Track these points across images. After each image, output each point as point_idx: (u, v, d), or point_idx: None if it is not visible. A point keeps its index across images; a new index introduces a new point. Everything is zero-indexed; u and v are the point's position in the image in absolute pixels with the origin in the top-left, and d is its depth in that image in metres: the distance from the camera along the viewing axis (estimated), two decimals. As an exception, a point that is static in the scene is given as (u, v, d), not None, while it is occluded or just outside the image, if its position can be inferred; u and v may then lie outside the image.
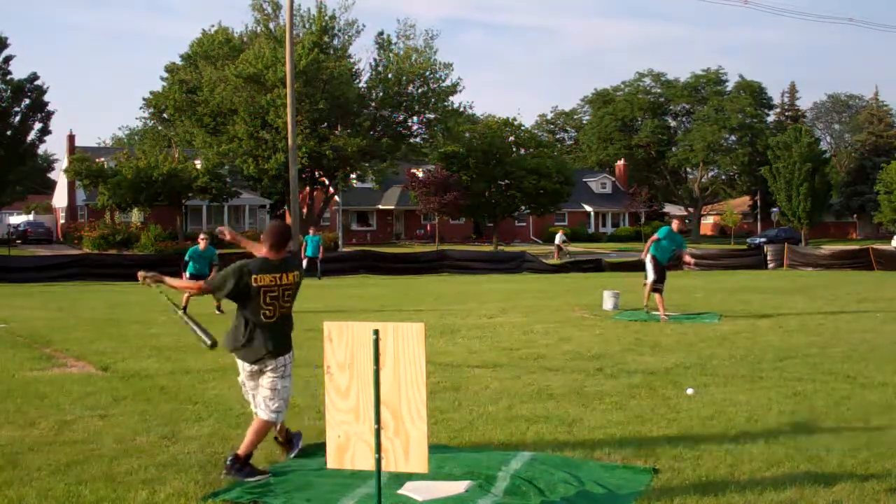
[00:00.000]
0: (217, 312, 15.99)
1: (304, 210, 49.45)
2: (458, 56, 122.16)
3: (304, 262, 24.64)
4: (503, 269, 32.41)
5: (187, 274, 16.13)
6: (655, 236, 15.30)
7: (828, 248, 38.31)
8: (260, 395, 5.68)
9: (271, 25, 52.01)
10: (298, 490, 5.28)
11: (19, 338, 12.59)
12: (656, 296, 14.86)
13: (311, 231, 23.10)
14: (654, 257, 15.07)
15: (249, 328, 5.60)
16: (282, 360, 5.67)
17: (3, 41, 50.75)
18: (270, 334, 5.62)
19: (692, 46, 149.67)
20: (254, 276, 5.51)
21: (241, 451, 5.51)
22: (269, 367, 5.64)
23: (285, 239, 5.73)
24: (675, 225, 15.62)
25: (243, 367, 5.76)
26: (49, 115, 52.67)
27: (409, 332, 4.46)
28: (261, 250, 5.75)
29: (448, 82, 51.61)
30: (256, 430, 5.60)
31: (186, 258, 16.31)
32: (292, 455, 6.02)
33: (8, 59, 51.12)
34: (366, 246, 46.73)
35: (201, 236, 16.64)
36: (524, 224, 67.40)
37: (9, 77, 50.89)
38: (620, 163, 77.68)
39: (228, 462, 5.49)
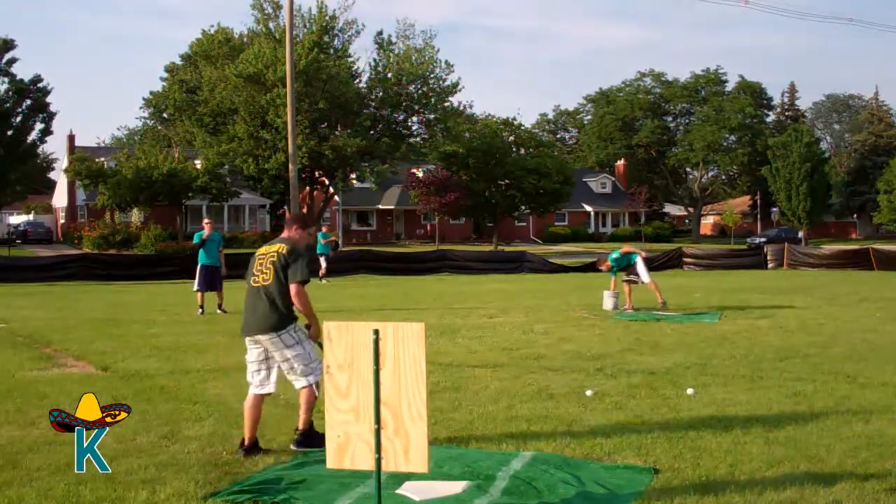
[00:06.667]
0: (219, 311, 16.00)
1: (304, 210, 49.45)
2: (459, 58, 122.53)
3: None
4: (503, 269, 32.35)
5: (199, 264, 16.22)
6: (611, 260, 16.75)
7: (828, 248, 38.29)
8: (284, 371, 6.03)
9: (271, 25, 52.05)
10: (297, 489, 5.28)
11: (19, 338, 12.58)
12: (625, 286, 16.44)
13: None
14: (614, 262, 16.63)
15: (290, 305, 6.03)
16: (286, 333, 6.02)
17: (10, 43, 50.73)
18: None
19: (692, 47, 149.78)
20: None
21: (301, 425, 5.94)
22: (277, 346, 5.95)
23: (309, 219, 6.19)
24: (623, 249, 17.10)
25: (275, 346, 6.00)
26: (51, 115, 52.64)
27: (409, 332, 4.46)
28: (292, 236, 6.30)
29: (448, 82, 51.63)
30: (304, 400, 6.01)
31: (196, 241, 16.44)
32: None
33: (11, 62, 51.09)
34: (366, 246, 46.68)
35: (206, 220, 17.04)
36: (524, 224, 67.37)
37: (15, 78, 50.85)
38: (620, 163, 77.62)
39: (297, 439, 5.94)
